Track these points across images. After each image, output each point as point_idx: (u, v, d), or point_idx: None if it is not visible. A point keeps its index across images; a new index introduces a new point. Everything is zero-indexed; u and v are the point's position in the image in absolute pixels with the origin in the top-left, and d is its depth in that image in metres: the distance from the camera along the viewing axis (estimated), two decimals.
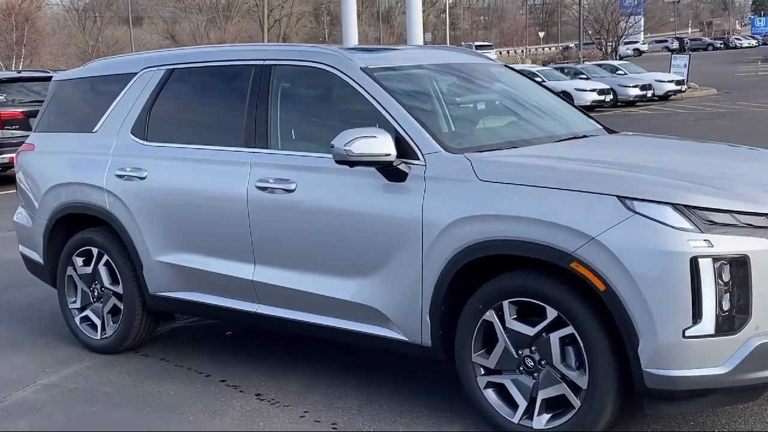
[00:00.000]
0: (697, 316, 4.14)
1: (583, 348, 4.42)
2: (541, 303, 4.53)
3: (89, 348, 6.67)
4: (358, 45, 7.09)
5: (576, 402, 4.48)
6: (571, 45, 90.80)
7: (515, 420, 4.68)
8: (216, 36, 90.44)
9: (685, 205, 4.22)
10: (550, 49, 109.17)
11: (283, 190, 5.44)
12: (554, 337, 4.51)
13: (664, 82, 39.24)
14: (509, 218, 4.58)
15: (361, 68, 5.41)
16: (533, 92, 6.45)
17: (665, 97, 38.94)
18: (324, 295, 5.36)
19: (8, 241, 10.83)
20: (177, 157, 6.06)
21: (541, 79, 32.59)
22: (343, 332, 5.36)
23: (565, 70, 40.44)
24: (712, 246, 4.14)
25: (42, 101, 16.75)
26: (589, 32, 60.36)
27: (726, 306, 4.16)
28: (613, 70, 41.04)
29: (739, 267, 4.16)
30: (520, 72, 6.68)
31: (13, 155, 16.27)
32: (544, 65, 49.44)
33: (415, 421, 5.15)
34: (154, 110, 6.31)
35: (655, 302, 4.16)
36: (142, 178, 6.16)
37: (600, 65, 42.95)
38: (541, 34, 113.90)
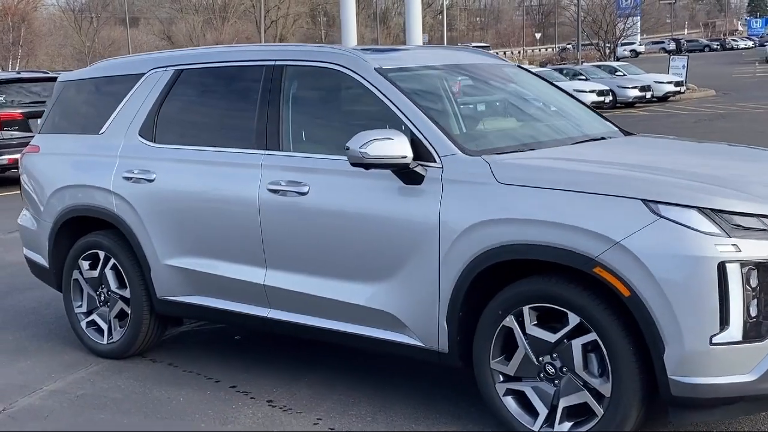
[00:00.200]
0: (724, 322, 4.05)
1: (606, 355, 4.32)
2: (562, 309, 4.43)
3: (95, 353, 6.57)
4: (368, 45, 6.95)
5: (599, 410, 4.38)
6: (568, 46, 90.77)
7: (535, 428, 4.58)
8: (212, 37, 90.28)
9: (711, 209, 4.13)
10: (546, 50, 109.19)
11: (296, 192, 5.34)
12: (576, 344, 4.41)
13: (663, 83, 39.16)
14: (530, 222, 4.48)
15: (375, 69, 5.32)
16: (547, 93, 6.35)
17: (664, 99, 38.86)
18: (338, 300, 5.26)
19: (9, 243, 10.75)
20: (186, 159, 5.96)
21: None
22: (358, 338, 5.26)
23: (564, 71, 40.34)
24: (740, 251, 4.05)
25: (41, 102, 17.01)
26: (586, 33, 60.28)
27: (753, 312, 4.07)
28: (612, 71, 40.97)
29: (766, 272, 4.07)
30: (533, 73, 6.59)
31: (13, 156, 16.40)
32: (541, 66, 49.40)
33: (432, 428, 5.05)
34: (162, 111, 6.21)
35: (682, 308, 4.07)
36: (150, 181, 6.06)
37: (599, 66, 42.87)
38: (538, 36, 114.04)
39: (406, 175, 4.89)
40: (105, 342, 6.51)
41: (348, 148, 4.86)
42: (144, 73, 6.41)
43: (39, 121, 16.25)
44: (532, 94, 6.26)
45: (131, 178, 6.15)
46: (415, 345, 5.00)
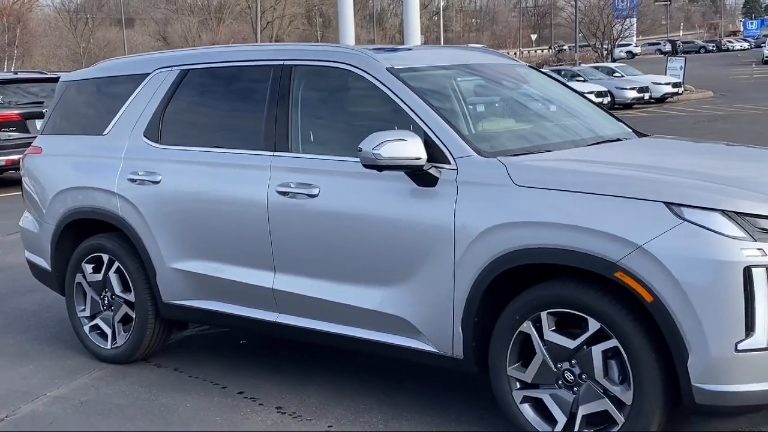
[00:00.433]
0: (750, 328, 3.94)
1: (627, 362, 4.21)
2: (582, 314, 4.32)
3: (99, 358, 6.45)
4: (376, 45, 6.83)
5: (620, 418, 4.27)
6: (564, 47, 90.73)
7: None
8: (208, 38, 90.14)
9: (736, 212, 4.03)
10: (542, 51, 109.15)
11: (306, 195, 5.23)
12: (596, 350, 4.29)
13: (661, 84, 39.12)
14: (548, 225, 4.37)
15: (386, 69, 5.21)
16: (559, 93, 6.24)
17: (662, 100, 38.82)
18: (349, 305, 5.15)
19: (9, 245, 10.63)
20: (192, 161, 5.84)
21: None
22: (369, 343, 5.15)
23: (562, 73, 40.21)
24: (766, 255, 3.95)
25: (39, 102, 16.90)
26: (582, 34, 60.23)
27: None
28: (610, 72, 40.92)
29: None
30: (545, 73, 6.48)
31: (10, 158, 16.29)
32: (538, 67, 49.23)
33: None
34: (167, 112, 6.09)
35: (706, 314, 3.97)
36: (155, 183, 5.94)
37: (596, 67, 42.82)
38: (534, 37, 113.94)
39: (420, 177, 4.79)
40: (109, 347, 6.39)
41: (361, 150, 4.75)
42: (149, 74, 6.29)
43: (37, 121, 16.56)
44: (544, 95, 6.15)
45: (136, 180, 6.04)
46: (428, 351, 4.89)
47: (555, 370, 4.46)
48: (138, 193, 6.02)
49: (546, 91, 6.19)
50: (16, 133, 16.61)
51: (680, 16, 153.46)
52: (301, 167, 5.32)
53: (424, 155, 4.70)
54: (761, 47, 73.10)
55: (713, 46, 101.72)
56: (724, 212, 4.02)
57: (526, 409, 4.58)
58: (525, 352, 4.56)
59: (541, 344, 4.47)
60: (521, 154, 4.89)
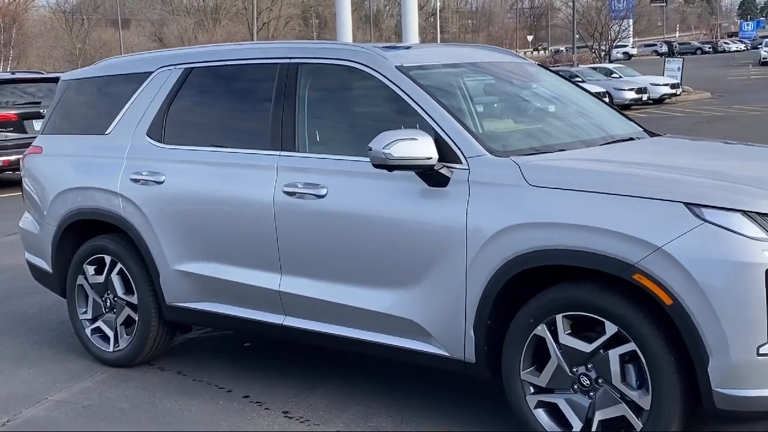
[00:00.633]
0: None
1: (645, 366, 4.11)
2: (598, 317, 4.22)
3: (101, 361, 6.34)
4: (384, 43, 6.70)
5: (637, 424, 4.17)
6: (561, 48, 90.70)
7: None
8: (204, 39, 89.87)
9: (757, 213, 3.93)
10: (539, 52, 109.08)
11: (313, 195, 5.13)
12: (614, 354, 4.19)
13: (660, 85, 39.06)
14: (564, 226, 4.27)
15: (396, 67, 5.11)
16: (569, 92, 6.14)
17: (660, 101, 38.76)
18: (357, 307, 5.05)
19: (8, 246, 10.51)
20: (197, 161, 5.74)
21: None
22: (378, 346, 5.04)
23: (560, 74, 40.11)
24: None
25: (36, 103, 16.79)
26: (579, 35, 60.18)
27: None
28: (608, 73, 40.86)
29: None
30: (554, 72, 6.38)
31: (7, 158, 16.16)
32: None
33: None
34: (171, 111, 5.99)
35: (727, 317, 3.87)
36: (159, 183, 5.84)
37: (595, 68, 42.77)
38: (530, 38, 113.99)
39: (431, 177, 4.69)
40: (111, 350, 6.28)
41: (371, 149, 4.65)
42: (152, 72, 6.19)
43: (34, 122, 16.45)
44: (555, 94, 6.05)
45: (139, 180, 5.93)
46: (439, 354, 4.78)
47: (570, 374, 4.36)
48: (141, 194, 5.92)
49: (556, 89, 6.10)
50: (13, 134, 16.49)
51: (676, 18, 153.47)
52: (309, 167, 5.22)
53: (435, 155, 4.61)
54: (758, 48, 73.14)
55: (709, 48, 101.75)
56: (745, 213, 3.93)
57: (541, 415, 4.48)
58: (539, 356, 4.47)
59: (556, 348, 4.37)
60: (534, 154, 4.80)
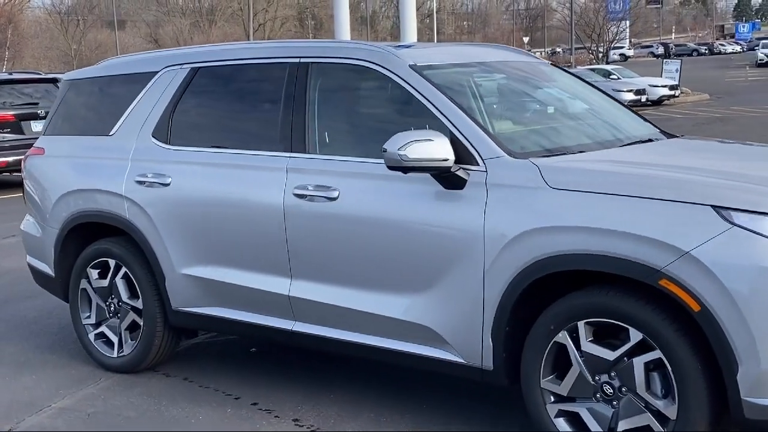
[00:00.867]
0: None
1: (671, 374, 3.98)
2: (622, 324, 4.09)
3: (104, 367, 6.20)
4: (395, 42, 6.55)
5: None
6: (558, 49, 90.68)
7: None
8: (200, 40, 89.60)
9: None
10: (536, 54, 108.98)
11: (325, 197, 5.00)
12: (638, 362, 4.06)
13: (658, 87, 38.97)
14: (586, 230, 4.14)
15: (409, 66, 4.98)
16: (585, 92, 5.99)
17: (659, 102, 38.66)
18: (370, 313, 4.92)
19: (7, 249, 10.33)
20: (204, 162, 5.61)
21: None
22: (391, 353, 4.91)
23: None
24: None
25: (34, 103, 16.65)
26: (576, 36, 60.07)
27: None
28: (607, 74, 40.72)
29: None
30: (568, 72, 6.26)
31: (5, 159, 16.01)
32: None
33: None
34: (177, 112, 5.85)
35: (758, 324, 3.75)
36: (165, 185, 5.70)
37: (593, 70, 42.57)
38: (526, 39, 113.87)
39: (447, 179, 4.56)
40: (115, 355, 6.15)
41: (385, 150, 4.51)
42: (157, 72, 6.05)
43: (32, 123, 16.31)
44: (570, 94, 5.92)
45: (144, 182, 5.80)
46: (455, 361, 4.66)
47: (593, 382, 4.23)
48: (147, 196, 5.78)
49: (571, 89, 5.96)
50: (11, 135, 16.33)
51: (672, 20, 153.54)
52: (320, 169, 5.09)
53: (452, 156, 4.48)
54: (754, 50, 73.13)
55: (705, 49, 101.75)
56: None
57: (561, 424, 4.35)
58: (560, 363, 4.34)
59: (578, 355, 4.24)
60: (552, 155, 4.67)
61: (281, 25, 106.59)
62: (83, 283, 6.28)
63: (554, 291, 4.35)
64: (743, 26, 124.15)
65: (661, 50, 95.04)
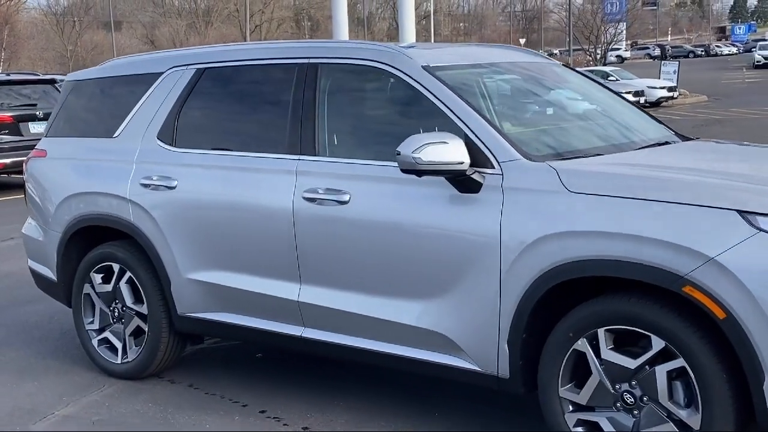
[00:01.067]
0: None
1: (695, 383, 3.88)
2: (644, 331, 3.99)
3: (108, 373, 6.09)
4: (406, 42, 6.42)
5: None
6: (555, 51, 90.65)
7: None
8: (196, 41, 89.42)
9: None
10: None
11: (335, 201, 4.89)
12: (661, 371, 3.96)
13: (656, 88, 38.92)
14: (606, 235, 4.04)
15: (422, 66, 4.87)
16: (598, 94, 5.89)
17: (657, 104, 38.53)
18: (382, 319, 4.81)
19: (7, 252, 10.19)
20: (211, 165, 5.50)
21: None
22: (404, 360, 4.80)
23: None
24: None
25: (32, 105, 16.51)
26: (573, 37, 59.95)
27: None
28: (605, 76, 40.60)
29: None
30: (581, 73, 6.15)
31: (2, 161, 15.87)
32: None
33: None
34: (183, 113, 5.74)
35: None
36: (171, 188, 5.59)
37: (591, 71, 42.52)
38: (522, 41, 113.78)
39: (462, 182, 4.45)
40: (119, 361, 6.03)
41: (399, 153, 4.41)
42: (162, 73, 5.94)
43: (30, 124, 16.19)
44: (584, 96, 5.81)
45: (149, 185, 5.69)
46: (470, 369, 4.55)
47: (613, 391, 4.12)
48: (152, 199, 5.67)
49: (585, 91, 5.85)
50: (9, 136, 16.19)
51: (668, 21, 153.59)
52: (330, 172, 4.98)
53: (467, 159, 4.38)
54: (751, 52, 73.13)
55: (702, 51, 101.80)
56: None
57: None
58: (579, 371, 4.23)
59: (597, 364, 4.14)
60: (569, 158, 4.56)
61: (278, 26, 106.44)
62: (86, 288, 6.16)
63: (573, 297, 4.24)
64: (739, 28, 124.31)
65: (657, 52, 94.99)
